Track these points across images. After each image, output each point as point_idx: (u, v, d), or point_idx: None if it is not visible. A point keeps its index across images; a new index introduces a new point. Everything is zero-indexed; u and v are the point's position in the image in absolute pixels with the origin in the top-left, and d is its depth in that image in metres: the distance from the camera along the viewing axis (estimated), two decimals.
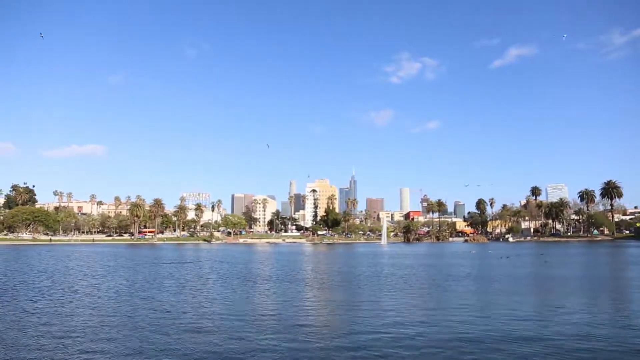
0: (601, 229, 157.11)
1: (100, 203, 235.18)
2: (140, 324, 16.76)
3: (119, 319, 17.85)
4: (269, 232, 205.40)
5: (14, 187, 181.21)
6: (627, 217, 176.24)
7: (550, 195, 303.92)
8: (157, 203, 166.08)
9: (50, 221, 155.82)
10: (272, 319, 18.01)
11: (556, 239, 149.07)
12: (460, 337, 14.31)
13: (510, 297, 23.45)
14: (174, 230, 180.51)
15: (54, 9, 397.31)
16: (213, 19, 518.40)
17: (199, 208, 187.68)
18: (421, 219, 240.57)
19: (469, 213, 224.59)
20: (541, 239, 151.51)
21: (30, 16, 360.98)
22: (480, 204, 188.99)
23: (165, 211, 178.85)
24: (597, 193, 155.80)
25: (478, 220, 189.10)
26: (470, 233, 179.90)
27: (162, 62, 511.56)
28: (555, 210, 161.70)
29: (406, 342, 13.92)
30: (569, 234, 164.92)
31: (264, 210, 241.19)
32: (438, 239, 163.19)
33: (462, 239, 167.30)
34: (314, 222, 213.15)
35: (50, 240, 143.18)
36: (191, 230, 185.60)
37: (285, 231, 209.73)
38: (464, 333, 14.92)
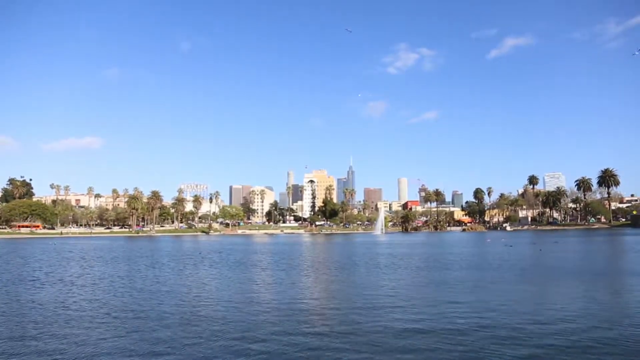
0: (598, 217, 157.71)
1: (97, 196, 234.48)
2: (141, 314, 16.69)
3: (120, 311, 17.76)
4: (267, 223, 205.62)
5: (11, 181, 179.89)
6: (624, 205, 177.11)
7: (548, 184, 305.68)
8: (155, 195, 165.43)
9: (47, 214, 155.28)
10: (265, 304, 18.03)
11: (553, 227, 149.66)
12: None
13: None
14: (172, 222, 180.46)
15: (50, 3, 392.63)
16: (207, 12, 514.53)
17: (197, 200, 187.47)
18: (419, 208, 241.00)
19: (466, 202, 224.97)
20: (538, 227, 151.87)
21: (27, 11, 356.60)
22: (478, 193, 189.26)
23: (163, 203, 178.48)
24: (594, 181, 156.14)
25: (476, 210, 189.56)
26: (468, 222, 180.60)
27: (157, 55, 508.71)
28: (553, 198, 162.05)
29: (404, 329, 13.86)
30: (566, 222, 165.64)
31: (262, 202, 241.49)
32: (436, 228, 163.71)
33: (460, 228, 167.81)
34: (312, 213, 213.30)
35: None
36: (189, 221, 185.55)
37: (284, 222, 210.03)
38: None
